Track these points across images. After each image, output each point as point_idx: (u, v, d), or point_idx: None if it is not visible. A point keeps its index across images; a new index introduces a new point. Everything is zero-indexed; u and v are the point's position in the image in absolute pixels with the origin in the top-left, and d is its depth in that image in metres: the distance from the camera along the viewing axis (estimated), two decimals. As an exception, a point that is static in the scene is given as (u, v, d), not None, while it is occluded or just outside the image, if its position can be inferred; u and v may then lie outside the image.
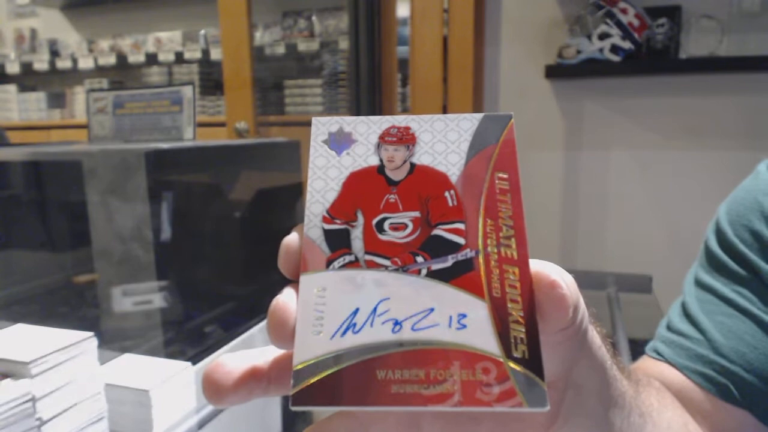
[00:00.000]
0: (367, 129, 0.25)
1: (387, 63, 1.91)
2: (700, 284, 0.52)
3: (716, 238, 0.53)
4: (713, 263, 0.52)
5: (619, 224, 1.92)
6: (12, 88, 3.11)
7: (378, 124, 0.25)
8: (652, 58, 1.79)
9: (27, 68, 3.03)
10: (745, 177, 0.55)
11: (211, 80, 2.76)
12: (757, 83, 1.72)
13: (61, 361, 0.57)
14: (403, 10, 1.99)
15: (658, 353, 0.51)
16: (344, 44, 2.35)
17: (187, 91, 1.14)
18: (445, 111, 1.92)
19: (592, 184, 1.94)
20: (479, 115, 0.25)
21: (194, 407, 0.72)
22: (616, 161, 1.90)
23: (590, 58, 1.79)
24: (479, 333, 0.20)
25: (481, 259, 0.22)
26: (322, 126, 0.26)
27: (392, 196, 0.24)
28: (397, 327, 0.21)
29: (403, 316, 0.21)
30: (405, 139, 0.25)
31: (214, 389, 0.21)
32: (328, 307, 0.21)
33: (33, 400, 0.54)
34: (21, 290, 1.05)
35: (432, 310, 0.21)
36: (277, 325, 0.21)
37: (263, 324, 0.96)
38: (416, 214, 0.23)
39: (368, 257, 0.22)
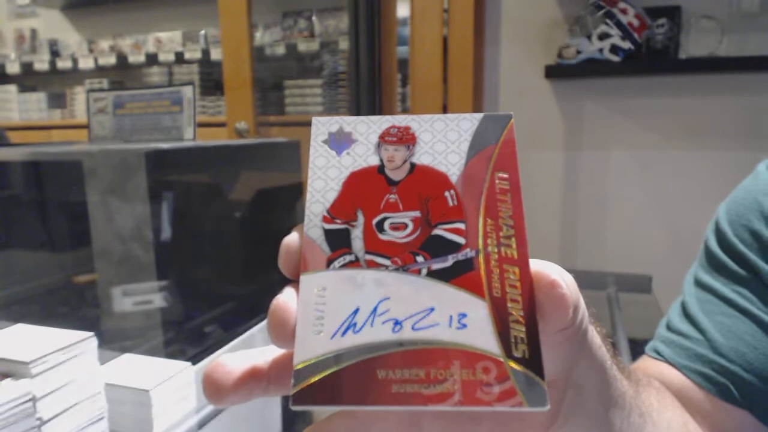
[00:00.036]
0: (367, 129, 0.25)
1: (387, 63, 1.91)
2: (699, 284, 0.52)
3: (716, 238, 0.53)
4: (713, 263, 0.52)
5: (619, 224, 1.92)
6: (12, 88, 3.11)
7: (378, 123, 0.25)
8: (652, 58, 1.79)
9: (27, 68, 3.03)
10: (745, 177, 0.55)
11: (211, 80, 2.76)
12: (756, 83, 1.72)
13: (61, 361, 0.57)
14: (403, 10, 1.99)
15: (658, 353, 0.51)
16: (344, 44, 2.35)
17: (188, 92, 1.14)
18: (445, 111, 1.92)
19: (592, 184, 1.94)
20: (479, 115, 0.25)
21: (194, 407, 0.72)
22: (616, 161, 1.90)
23: (590, 58, 1.79)
24: (479, 333, 0.20)
25: (481, 259, 0.22)
26: (322, 126, 0.26)
27: (392, 195, 0.24)
28: (398, 327, 0.21)
29: (404, 315, 0.21)
30: (405, 139, 0.25)
31: (214, 389, 0.21)
32: (328, 307, 0.21)
33: (33, 399, 0.54)
34: (21, 290, 1.05)
35: (432, 309, 0.21)
36: (278, 325, 0.21)
37: (263, 324, 0.96)
38: (416, 213, 0.23)
39: (368, 257, 0.22)
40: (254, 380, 0.22)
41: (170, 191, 0.96)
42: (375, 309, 0.21)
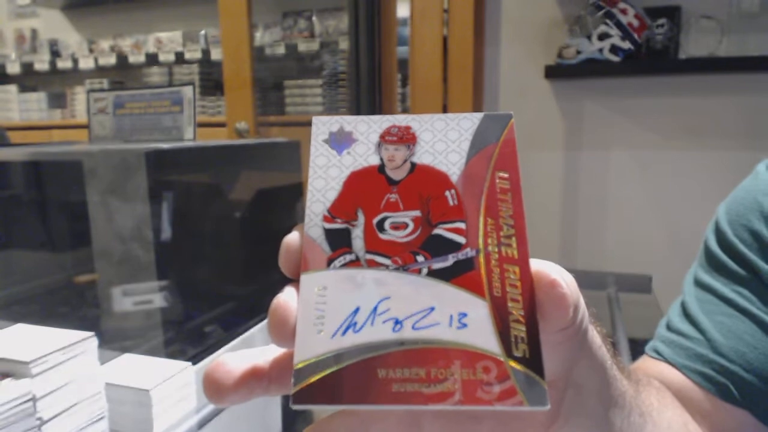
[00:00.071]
0: (367, 128, 0.25)
1: (387, 63, 1.91)
2: (699, 284, 0.52)
3: (716, 238, 0.53)
4: (713, 263, 0.52)
5: (619, 224, 1.92)
6: (13, 88, 3.11)
7: (378, 123, 0.25)
8: (652, 58, 1.79)
9: (28, 68, 3.03)
10: (744, 177, 0.55)
11: (212, 80, 2.76)
12: (756, 83, 1.72)
13: (62, 360, 0.57)
14: (403, 10, 1.99)
15: (658, 353, 0.51)
16: (344, 44, 2.35)
17: (188, 92, 1.14)
18: (445, 111, 1.92)
19: (592, 184, 1.94)
20: (480, 115, 0.25)
21: (194, 407, 0.72)
22: (616, 161, 1.90)
23: (590, 59, 1.79)
24: (480, 332, 0.20)
25: (481, 259, 0.22)
26: (323, 125, 0.26)
27: (393, 195, 0.24)
28: (398, 326, 0.21)
29: (404, 315, 0.21)
30: (405, 138, 0.25)
31: (214, 388, 0.21)
32: (328, 306, 0.21)
33: (33, 399, 0.54)
34: (21, 290, 1.05)
35: (432, 309, 0.21)
36: (278, 324, 0.21)
37: (263, 324, 0.96)
38: (417, 213, 0.23)
39: (369, 256, 0.22)
40: (255, 379, 0.22)
41: (170, 191, 0.96)
42: (375, 308, 0.21)
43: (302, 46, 2.47)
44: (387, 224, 0.23)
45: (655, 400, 0.36)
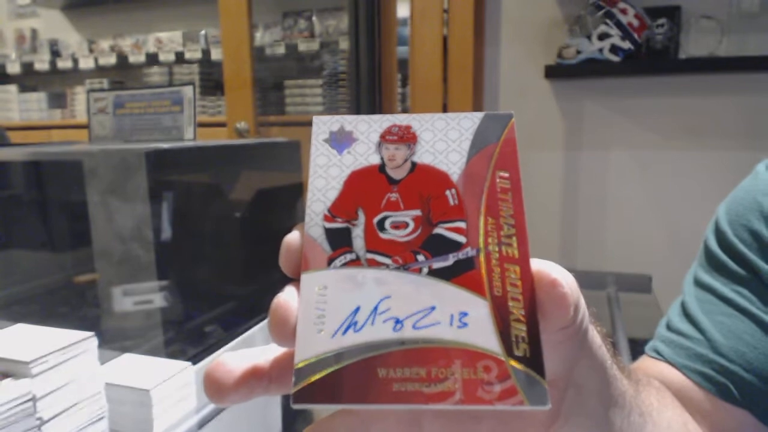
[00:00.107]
0: (368, 128, 0.25)
1: (387, 63, 1.91)
2: (699, 284, 0.52)
3: (716, 238, 0.53)
4: (713, 263, 0.52)
5: (619, 224, 1.92)
6: (13, 88, 3.11)
7: (379, 122, 0.25)
8: (652, 58, 1.79)
9: (28, 68, 3.03)
10: (744, 177, 0.55)
11: (212, 80, 2.76)
12: (756, 83, 1.73)
13: (62, 360, 0.57)
14: (403, 10, 1.99)
15: (658, 353, 0.51)
16: (344, 44, 2.35)
17: (188, 91, 1.14)
18: (445, 111, 1.92)
19: (592, 184, 1.94)
20: (480, 114, 0.25)
21: (194, 407, 0.72)
22: (616, 161, 1.90)
23: (590, 58, 1.79)
24: (480, 331, 0.20)
25: (482, 258, 0.22)
26: (324, 125, 0.26)
27: (393, 194, 0.24)
28: (399, 325, 0.21)
29: (405, 314, 0.21)
30: (406, 137, 0.25)
31: (215, 388, 0.21)
32: (329, 306, 0.21)
33: (33, 399, 0.54)
34: (21, 290, 1.05)
35: (433, 308, 0.21)
36: (279, 324, 0.21)
37: (263, 324, 0.96)
38: (417, 212, 0.23)
39: (369, 256, 0.22)
40: (255, 379, 0.22)
41: (170, 191, 0.96)
42: (376, 308, 0.21)
43: (302, 46, 2.47)
44: (387, 223, 0.23)
45: (655, 400, 0.36)
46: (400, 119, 0.26)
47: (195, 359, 0.75)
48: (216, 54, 2.63)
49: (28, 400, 0.53)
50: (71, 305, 1.06)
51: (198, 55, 2.72)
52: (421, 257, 0.22)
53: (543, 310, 0.21)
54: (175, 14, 2.85)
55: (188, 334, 1.00)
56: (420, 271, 0.22)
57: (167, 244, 0.94)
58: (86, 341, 0.59)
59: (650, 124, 1.84)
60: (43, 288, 1.09)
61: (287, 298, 0.21)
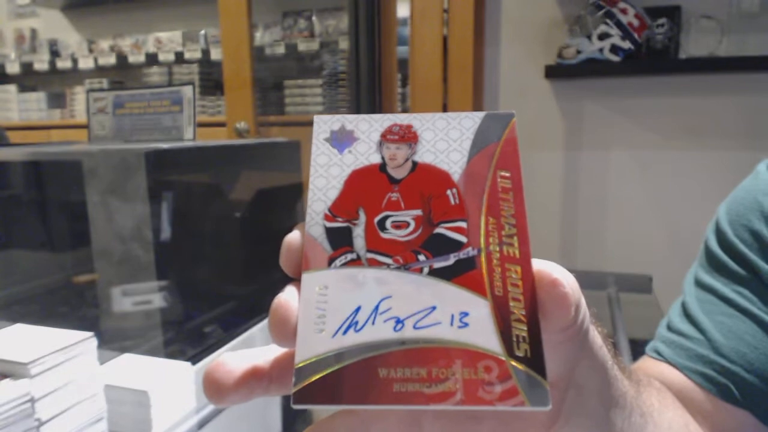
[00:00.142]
0: (368, 127, 0.25)
1: (387, 63, 1.91)
2: (700, 284, 0.52)
3: (716, 238, 0.53)
4: (713, 263, 0.52)
5: (619, 224, 1.92)
6: (12, 88, 3.11)
7: (380, 122, 0.25)
8: (652, 58, 1.79)
9: (27, 68, 3.03)
10: (745, 177, 0.55)
11: (211, 80, 2.76)
12: (756, 83, 1.73)
13: (61, 361, 0.57)
14: (403, 10, 1.99)
15: (659, 353, 0.51)
16: (344, 44, 2.35)
17: (188, 91, 1.14)
18: (445, 111, 1.92)
19: (592, 184, 1.94)
20: (481, 114, 0.25)
21: (194, 407, 0.72)
22: (616, 161, 1.90)
23: (590, 58, 1.79)
24: (481, 331, 0.20)
25: (483, 258, 0.22)
26: (324, 124, 0.26)
27: (394, 194, 0.24)
28: (399, 325, 0.21)
29: (405, 314, 0.21)
30: (407, 137, 0.25)
31: (215, 388, 0.21)
32: (329, 306, 0.21)
33: (32, 400, 0.54)
34: (21, 290, 1.05)
35: (434, 308, 0.21)
36: (279, 324, 0.21)
37: (263, 324, 0.96)
38: (418, 212, 0.23)
39: (370, 255, 0.22)
40: (255, 379, 0.22)
41: (170, 191, 0.96)
42: (376, 307, 0.21)
43: (302, 46, 2.47)
44: (388, 223, 0.23)
45: (656, 401, 0.36)
46: (401, 118, 0.25)
47: (194, 359, 0.75)
48: (216, 54, 2.63)
49: (27, 401, 0.53)
50: (71, 305, 1.06)
51: (198, 55, 2.72)
52: (422, 257, 0.22)
53: (544, 310, 0.21)
54: (174, 14, 2.85)
55: (188, 335, 1.00)
56: (421, 270, 0.22)
57: (167, 244, 0.94)
58: (85, 342, 0.59)
59: (650, 124, 1.84)
60: (43, 288, 1.08)
61: (288, 297, 0.21)
